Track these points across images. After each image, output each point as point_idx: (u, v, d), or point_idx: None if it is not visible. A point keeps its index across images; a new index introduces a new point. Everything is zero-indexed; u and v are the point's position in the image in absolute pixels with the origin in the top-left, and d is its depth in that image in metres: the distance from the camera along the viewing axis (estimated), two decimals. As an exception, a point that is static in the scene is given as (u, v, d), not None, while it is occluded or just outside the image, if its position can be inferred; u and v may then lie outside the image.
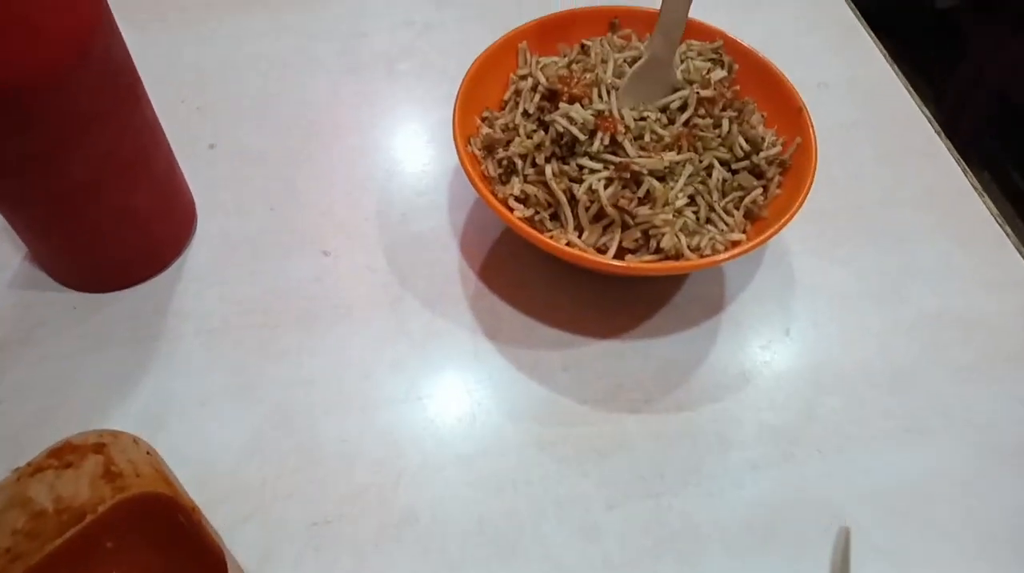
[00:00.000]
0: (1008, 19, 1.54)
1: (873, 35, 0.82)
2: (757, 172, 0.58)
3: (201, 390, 0.55)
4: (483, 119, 0.60)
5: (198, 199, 0.64)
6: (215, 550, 0.39)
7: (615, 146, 0.54)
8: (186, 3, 0.80)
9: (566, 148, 0.55)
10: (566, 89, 0.56)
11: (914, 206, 0.68)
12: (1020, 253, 0.65)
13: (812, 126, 0.58)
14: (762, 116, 0.61)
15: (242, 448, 0.52)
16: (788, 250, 0.64)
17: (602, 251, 0.54)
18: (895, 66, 0.79)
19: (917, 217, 0.67)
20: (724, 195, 0.56)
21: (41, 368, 0.55)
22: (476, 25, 0.79)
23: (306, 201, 0.66)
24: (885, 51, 0.80)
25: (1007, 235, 0.66)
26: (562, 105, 0.56)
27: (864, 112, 0.74)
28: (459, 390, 0.56)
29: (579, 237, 0.54)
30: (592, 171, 0.54)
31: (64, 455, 0.40)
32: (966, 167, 0.71)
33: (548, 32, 0.63)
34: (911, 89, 0.77)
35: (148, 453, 0.39)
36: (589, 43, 0.62)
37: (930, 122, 0.74)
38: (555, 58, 0.62)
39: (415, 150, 0.69)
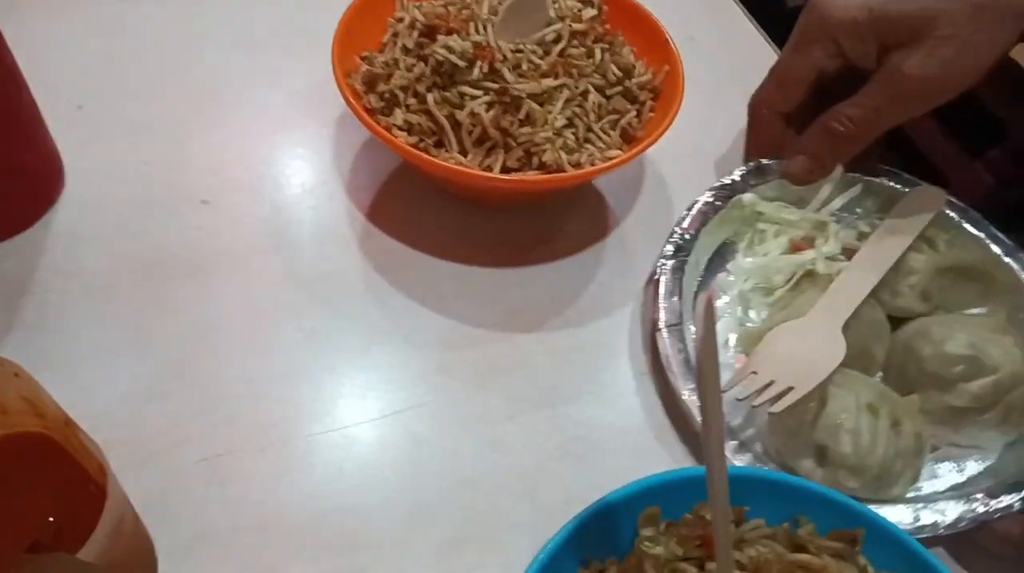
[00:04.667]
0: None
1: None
2: (630, 97, 0.61)
3: (81, 346, 0.52)
4: (363, 59, 0.60)
5: (67, 158, 0.61)
6: (94, 478, 0.37)
7: (494, 74, 0.56)
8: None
9: (446, 77, 0.56)
10: (444, 24, 0.58)
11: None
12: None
13: (679, 56, 0.61)
14: (632, 49, 0.64)
15: (135, 400, 0.50)
16: (666, 180, 0.68)
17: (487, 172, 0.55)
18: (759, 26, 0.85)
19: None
20: (600, 118, 0.59)
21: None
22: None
23: (183, 156, 0.63)
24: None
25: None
26: (440, 38, 0.57)
27: (731, 65, 0.79)
28: (353, 326, 0.55)
29: (464, 159, 0.55)
30: (473, 97, 0.55)
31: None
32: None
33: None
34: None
35: (16, 375, 0.37)
36: (465, -15, 0.63)
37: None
38: (432, 3, 0.63)
39: (296, 105, 0.68)
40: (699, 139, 0.70)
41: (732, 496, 0.40)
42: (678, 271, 0.56)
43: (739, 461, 0.48)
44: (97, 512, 0.35)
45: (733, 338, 0.57)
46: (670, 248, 0.57)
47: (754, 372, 0.51)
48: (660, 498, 0.40)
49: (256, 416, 0.50)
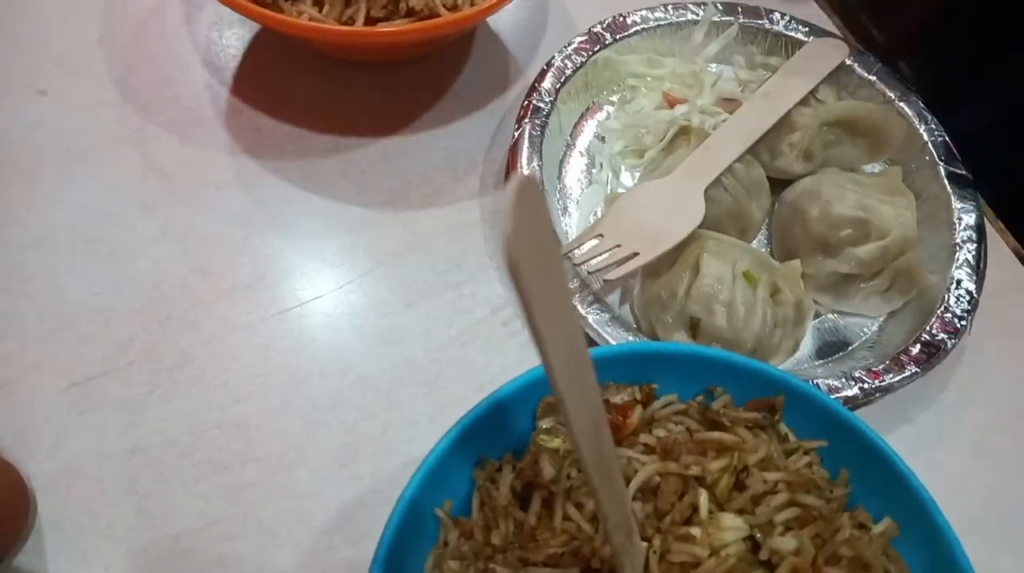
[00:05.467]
0: None
1: None
2: None
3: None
4: None
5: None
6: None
7: None
8: None
9: None
10: None
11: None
12: None
13: None
14: None
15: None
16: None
17: (349, 26, 0.47)
18: None
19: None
20: None
21: None
22: None
23: (7, 39, 0.54)
24: None
25: None
26: None
27: None
28: (224, 219, 0.49)
29: (320, 12, 0.47)
30: None
31: None
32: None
33: None
34: None
35: None
36: None
37: None
38: None
39: None
40: None
41: (642, 372, 0.37)
42: (536, 138, 0.49)
43: (611, 337, 0.43)
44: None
45: (600, 210, 0.51)
46: (525, 113, 0.49)
47: (600, 235, 0.45)
48: (560, 384, 0.36)
49: (112, 333, 0.44)
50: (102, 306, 0.45)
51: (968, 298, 0.45)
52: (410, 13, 0.47)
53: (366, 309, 0.46)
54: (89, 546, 0.38)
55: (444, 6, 0.47)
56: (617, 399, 0.36)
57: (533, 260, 0.22)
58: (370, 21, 0.47)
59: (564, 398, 0.24)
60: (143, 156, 0.50)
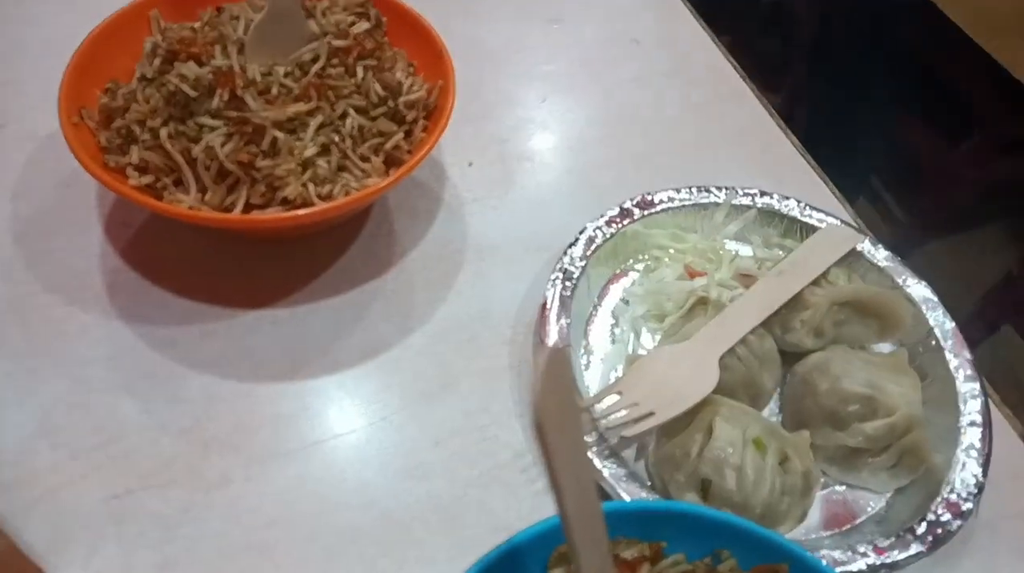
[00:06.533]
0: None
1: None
2: (399, 118, 0.56)
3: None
4: (106, 91, 0.54)
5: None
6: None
7: (238, 102, 0.50)
8: None
9: (181, 108, 0.51)
10: (185, 49, 0.52)
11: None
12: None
13: (452, 69, 0.57)
14: (411, 65, 0.60)
15: (31, 433, 0.47)
16: (462, 206, 0.64)
17: (229, 210, 0.51)
18: (702, 22, 0.83)
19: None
20: (364, 141, 0.54)
21: None
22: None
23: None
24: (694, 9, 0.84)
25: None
26: (177, 64, 0.51)
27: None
28: (274, 346, 0.53)
29: (204, 199, 0.51)
30: (212, 129, 0.50)
31: None
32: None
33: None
34: (717, 42, 0.80)
35: None
36: (227, 6, 0.57)
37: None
38: (191, 24, 0.56)
39: (49, 147, 0.62)
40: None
41: (652, 529, 0.38)
42: (567, 298, 0.53)
43: (626, 492, 0.45)
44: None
45: (621, 369, 0.54)
46: (558, 275, 0.54)
47: (620, 392, 0.48)
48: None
49: (158, 449, 0.48)
50: (152, 423, 0.49)
51: (974, 481, 0.47)
52: (284, 202, 0.51)
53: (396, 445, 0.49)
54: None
55: (318, 196, 0.51)
56: (627, 554, 0.37)
57: (557, 420, 0.26)
58: (249, 207, 0.51)
59: (577, 547, 0.27)
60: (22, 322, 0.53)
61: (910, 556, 0.44)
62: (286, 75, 0.53)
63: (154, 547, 0.44)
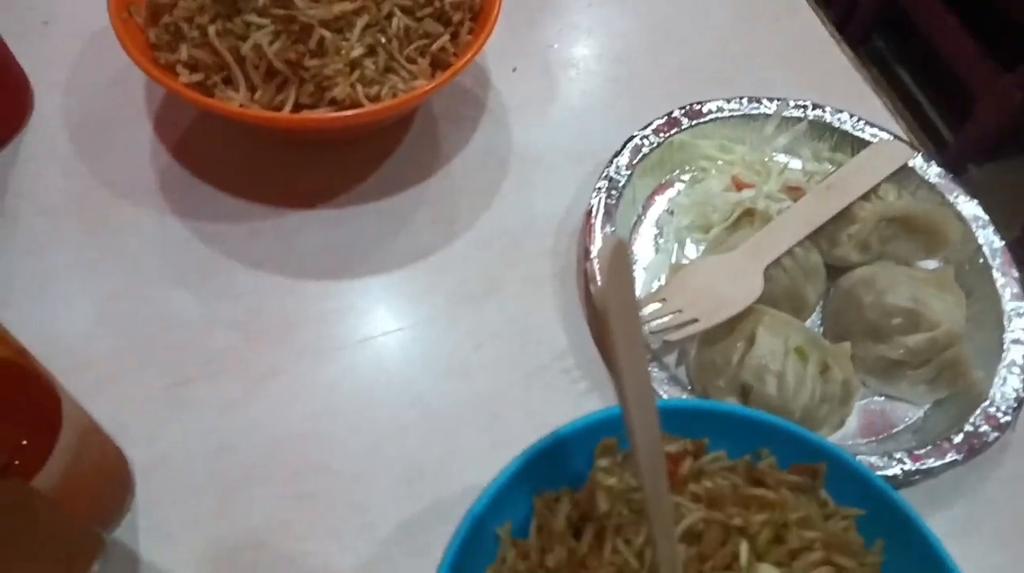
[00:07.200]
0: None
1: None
2: (445, 20, 0.55)
3: (44, 269, 0.51)
4: None
5: (33, 78, 0.59)
6: (51, 403, 0.36)
7: (284, 0, 0.50)
8: None
9: (230, 6, 0.50)
10: None
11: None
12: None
13: None
14: None
15: (92, 322, 0.49)
16: (505, 113, 0.63)
17: (279, 109, 0.51)
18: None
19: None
20: (408, 44, 0.53)
21: None
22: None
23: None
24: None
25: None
26: None
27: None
28: (321, 248, 0.54)
29: (253, 97, 0.51)
30: (259, 27, 0.50)
31: None
32: None
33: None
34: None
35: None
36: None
37: None
38: None
39: (96, 44, 0.62)
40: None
41: (695, 428, 0.40)
42: (612, 207, 0.53)
43: (668, 395, 0.46)
44: (54, 436, 0.35)
45: (664, 278, 0.54)
46: (603, 184, 0.54)
47: (663, 299, 0.49)
48: (618, 429, 0.39)
49: (212, 342, 0.49)
50: (204, 316, 0.50)
51: (1014, 395, 0.47)
52: (332, 102, 0.51)
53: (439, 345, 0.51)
54: (176, 530, 0.43)
55: (367, 96, 0.51)
56: (671, 448, 0.39)
57: (619, 308, 0.27)
58: (298, 107, 0.51)
59: (635, 428, 0.28)
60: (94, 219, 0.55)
61: (945, 464, 0.44)
62: (331, -27, 0.51)
63: (212, 432, 0.46)
